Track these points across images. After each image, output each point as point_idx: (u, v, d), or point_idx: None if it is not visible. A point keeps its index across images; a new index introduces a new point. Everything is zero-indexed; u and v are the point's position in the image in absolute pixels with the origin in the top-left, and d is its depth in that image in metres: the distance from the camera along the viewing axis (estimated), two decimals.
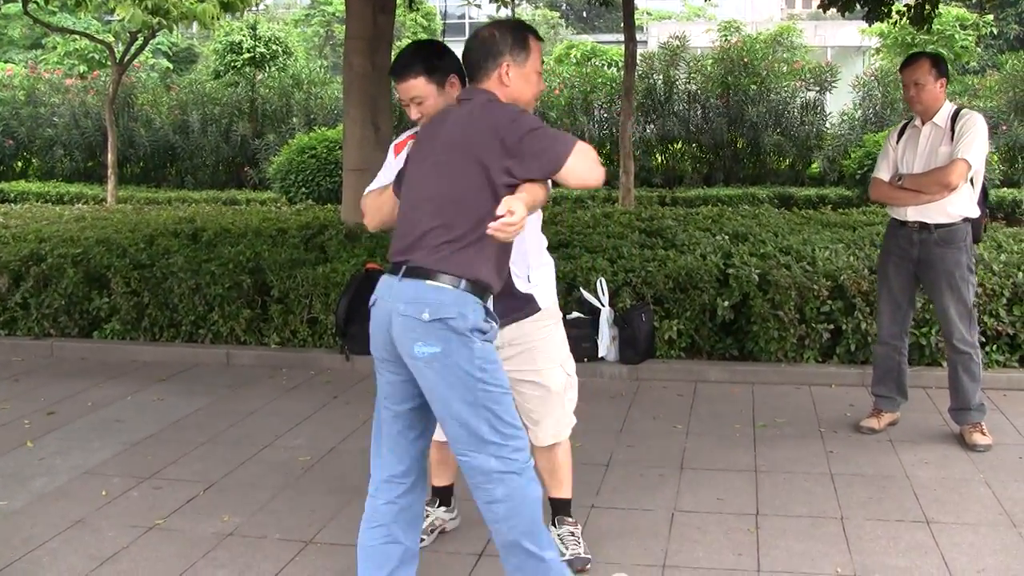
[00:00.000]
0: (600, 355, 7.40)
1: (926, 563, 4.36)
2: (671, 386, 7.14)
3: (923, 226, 5.82)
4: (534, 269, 4.31)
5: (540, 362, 4.33)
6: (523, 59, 3.87)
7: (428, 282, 3.56)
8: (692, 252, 8.06)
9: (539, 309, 4.31)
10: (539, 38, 4.01)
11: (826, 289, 7.20)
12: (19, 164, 22.53)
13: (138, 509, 5.12)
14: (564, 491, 4.51)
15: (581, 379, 7.15)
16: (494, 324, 3.69)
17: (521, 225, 3.48)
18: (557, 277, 7.48)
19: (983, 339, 6.94)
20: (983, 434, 5.84)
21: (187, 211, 13.39)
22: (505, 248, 3.73)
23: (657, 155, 19.00)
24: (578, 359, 7.24)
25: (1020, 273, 7.24)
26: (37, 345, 8.60)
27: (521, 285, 4.21)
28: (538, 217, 4.33)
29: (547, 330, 4.38)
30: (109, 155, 18.34)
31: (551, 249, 7.98)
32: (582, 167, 3.61)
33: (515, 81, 3.85)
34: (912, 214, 5.85)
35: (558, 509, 4.51)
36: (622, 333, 7.37)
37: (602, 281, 7.50)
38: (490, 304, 3.71)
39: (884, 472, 5.43)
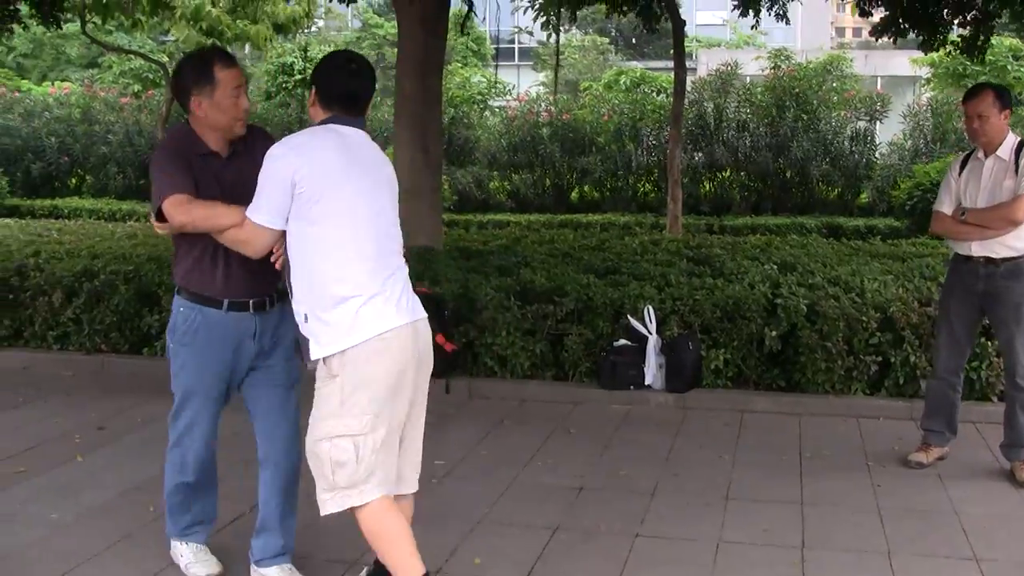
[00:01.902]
0: (647, 383, 7.39)
1: None
2: (717, 415, 7.11)
3: (989, 260, 5.77)
4: (320, 310, 3.85)
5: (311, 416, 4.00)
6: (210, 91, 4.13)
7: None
8: (740, 281, 8.03)
9: (309, 360, 3.93)
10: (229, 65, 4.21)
11: (875, 321, 7.15)
12: (73, 181, 22.81)
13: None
14: (385, 560, 4.03)
15: (627, 407, 7.24)
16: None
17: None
18: (604, 303, 7.55)
19: None
20: None
21: None
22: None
23: (705, 183, 18.96)
24: (624, 387, 7.35)
25: None
26: (88, 360, 8.70)
27: (301, 326, 3.92)
28: (339, 247, 3.84)
29: (322, 386, 3.93)
30: None
31: (599, 276, 8.04)
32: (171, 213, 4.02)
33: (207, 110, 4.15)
34: (977, 249, 5.80)
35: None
36: (669, 361, 7.36)
37: (650, 309, 7.50)
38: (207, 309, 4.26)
39: (932, 507, 5.39)
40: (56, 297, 8.90)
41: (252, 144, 4.27)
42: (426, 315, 4.02)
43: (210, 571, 4.62)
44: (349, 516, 5.21)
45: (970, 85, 7.78)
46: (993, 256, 5.75)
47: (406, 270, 4.03)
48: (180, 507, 4.63)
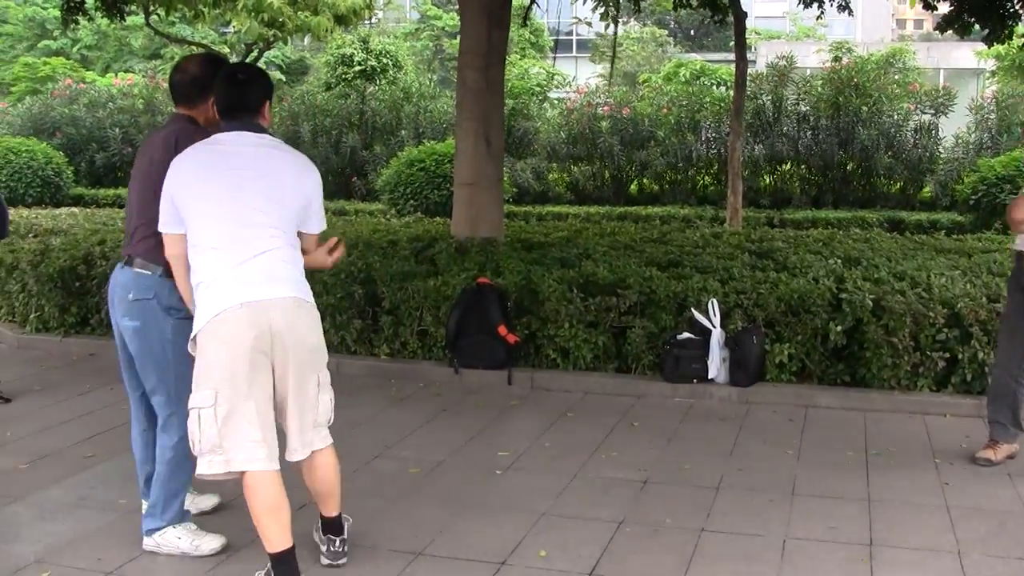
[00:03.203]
0: (710, 376, 7.36)
1: None
2: (781, 410, 7.06)
3: None
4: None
5: None
6: None
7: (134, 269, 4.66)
8: (804, 275, 7.97)
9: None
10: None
11: (942, 317, 7.06)
12: None
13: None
14: (256, 528, 4.39)
15: (690, 400, 7.22)
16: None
17: None
18: (667, 296, 7.54)
19: None
20: None
21: None
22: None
23: (765, 176, 18.82)
24: (687, 380, 7.32)
25: None
26: None
27: None
28: (195, 241, 4.33)
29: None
30: None
31: (661, 268, 8.02)
32: None
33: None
34: None
35: None
36: (733, 355, 7.32)
37: (714, 302, 7.46)
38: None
39: (1002, 507, 5.31)
40: None
41: None
42: (291, 294, 4.29)
43: (220, 542, 4.83)
44: (415, 509, 5.26)
45: None
46: None
47: (278, 254, 4.30)
48: (184, 489, 4.87)
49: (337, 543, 4.64)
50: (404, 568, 4.60)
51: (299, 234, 4.46)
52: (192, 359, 4.30)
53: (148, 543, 4.79)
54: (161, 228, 4.39)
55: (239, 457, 4.21)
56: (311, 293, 4.43)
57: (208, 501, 5.31)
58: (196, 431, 4.22)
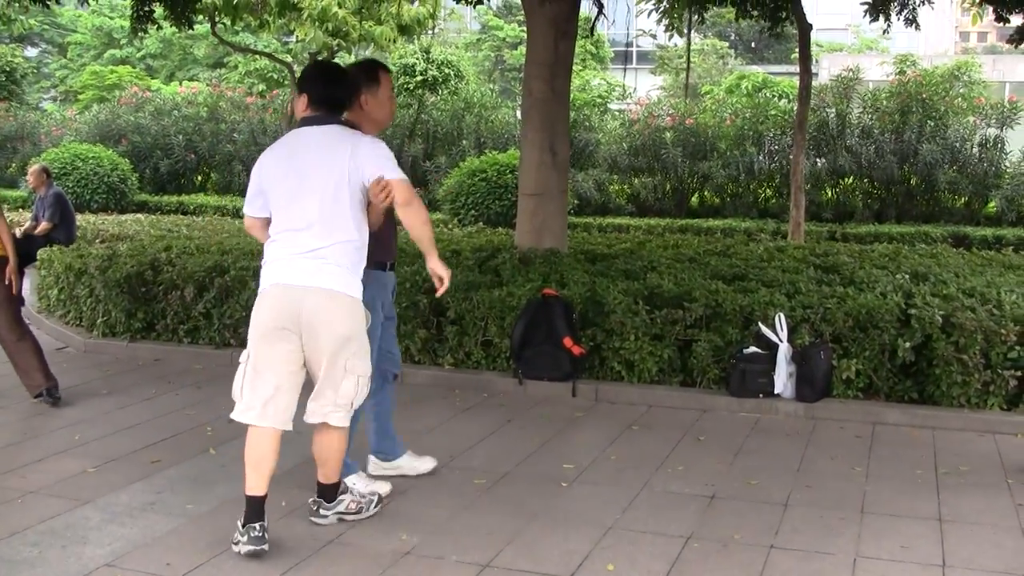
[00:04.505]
0: (776, 391, 7.29)
1: None
2: (848, 427, 6.99)
3: None
4: None
5: None
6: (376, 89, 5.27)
7: None
8: (871, 290, 7.89)
9: None
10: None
11: (1015, 334, 6.96)
12: (199, 178, 23.34)
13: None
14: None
15: (756, 415, 7.17)
16: None
17: None
18: (734, 310, 7.53)
19: None
20: None
21: None
22: None
23: (827, 189, 18.71)
24: (753, 394, 7.28)
25: None
26: (218, 354, 8.87)
27: None
28: (271, 227, 4.96)
29: None
30: None
31: (727, 281, 8.01)
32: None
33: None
34: None
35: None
36: (800, 370, 7.25)
37: (781, 316, 7.39)
38: None
39: None
40: (188, 292, 9.10)
41: None
42: (326, 287, 4.78)
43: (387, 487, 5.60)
44: (481, 520, 5.26)
45: None
46: None
47: (323, 252, 4.79)
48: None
49: (322, 509, 5.21)
50: None
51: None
52: None
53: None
54: (245, 209, 5.07)
55: (253, 411, 4.86)
56: (357, 287, 4.87)
57: (383, 487, 5.65)
58: (237, 380, 4.94)
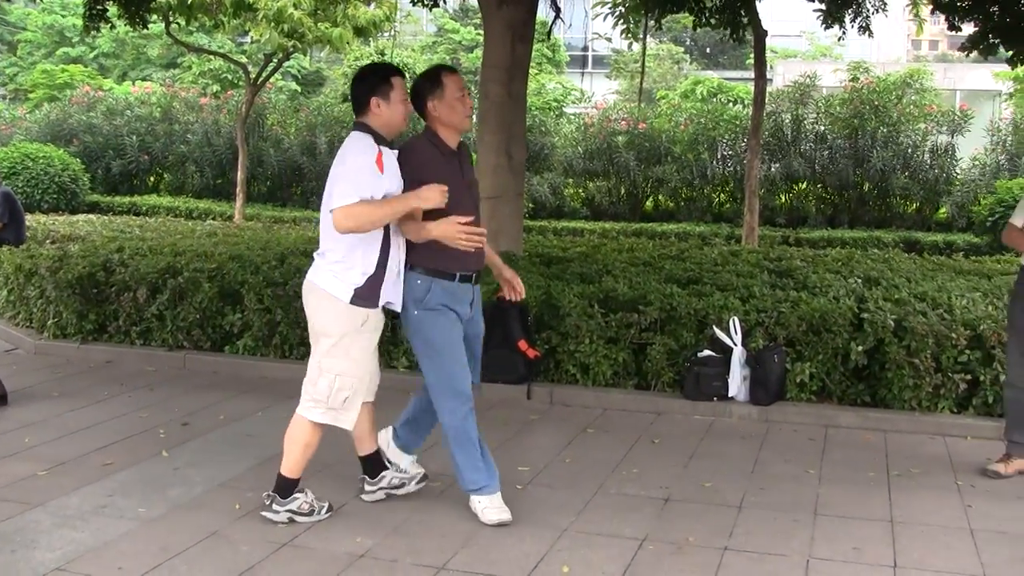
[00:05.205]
0: (730, 394, 7.34)
1: None
2: (801, 429, 7.04)
3: None
4: None
5: None
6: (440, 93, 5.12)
7: None
8: (825, 295, 7.95)
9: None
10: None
11: (964, 338, 7.04)
12: (152, 179, 23.16)
13: (271, 525, 5.19)
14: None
15: (710, 418, 7.21)
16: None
17: None
18: (688, 314, 7.55)
19: None
20: None
21: (315, 231, 13.61)
22: None
23: (781, 195, 18.85)
24: (708, 397, 7.31)
25: None
26: (171, 357, 8.80)
27: None
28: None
29: None
30: (239, 173, 18.80)
31: (681, 285, 8.04)
32: None
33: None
34: None
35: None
36: (754, 373, 7.29)
37: (735, 320, 7.44)
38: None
39: None
40: (140, 293, 9.02)
41: (468, 152, 5.42)
42: (307, 278, 5.11)
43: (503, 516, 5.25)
44: (436, 523, 5.24)
45: None
46: None
47: (323, 253, 5.06)
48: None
49: (275, 504, 5.21)
50: None
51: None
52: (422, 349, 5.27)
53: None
54: None
55: None
56: (331, 278, 4.99)
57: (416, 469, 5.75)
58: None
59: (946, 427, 6.99)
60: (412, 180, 4.98)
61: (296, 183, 21.71)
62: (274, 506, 5.19)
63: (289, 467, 5.19)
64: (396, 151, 5.09)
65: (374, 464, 5.50)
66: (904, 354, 7.09)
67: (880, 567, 4.78)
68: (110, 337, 9.27)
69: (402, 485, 5.51)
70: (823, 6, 12.46)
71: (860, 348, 7.22)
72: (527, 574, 4.65)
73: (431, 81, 5.11)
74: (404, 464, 5.67)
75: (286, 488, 5.19)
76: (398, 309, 5.19)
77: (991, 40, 10.93)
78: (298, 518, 5.19)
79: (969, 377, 7.06)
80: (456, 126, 5.16)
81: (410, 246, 5.11)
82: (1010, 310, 6.20)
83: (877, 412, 7.20)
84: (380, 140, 5.00)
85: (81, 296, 9.24)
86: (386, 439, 5.72)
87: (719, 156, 19.29)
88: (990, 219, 15.47)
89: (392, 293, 5.11)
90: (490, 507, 5.20)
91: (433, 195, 4.87)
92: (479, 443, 5.26)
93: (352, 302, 4.98)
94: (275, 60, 19.05)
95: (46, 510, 5.36)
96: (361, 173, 4.85)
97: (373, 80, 5.05)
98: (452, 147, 5.19)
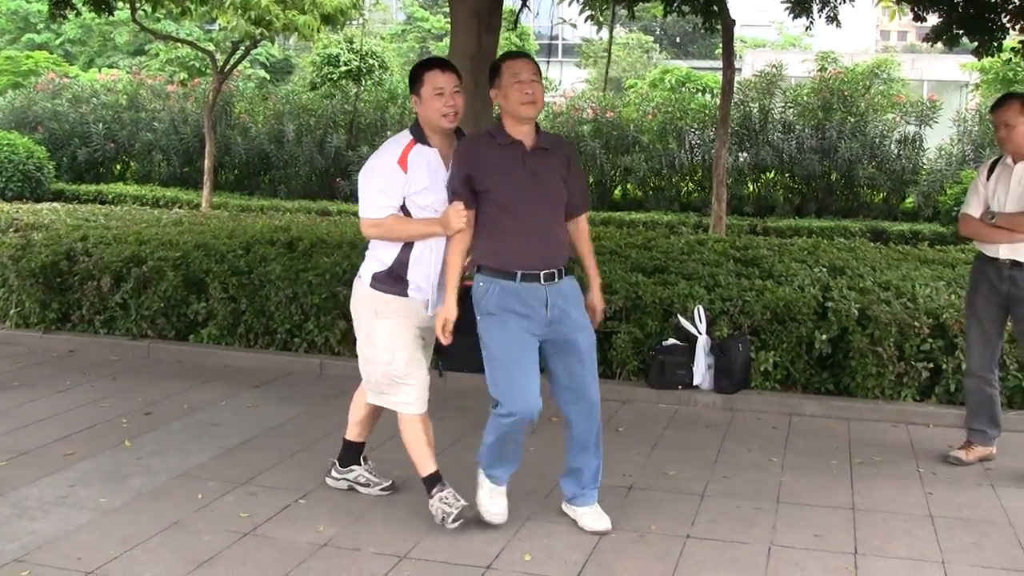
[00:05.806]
0: (695, 383, 7.36)
1: None
2: (765, 418, 7.06)
3: (1015, 263, 5.86)
4: None
5: None
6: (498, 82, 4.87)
7: None
8: (790, 283, 7.98)
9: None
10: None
11: (927, 327, 7.08)
12: (118, 167, 22.97)
13: (234, 514, 5.18)
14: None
15: (675, 407, 7.22)
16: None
17: None
18: (654, 302, 7.55)
19: None
20: None
21: (282, 220, 13.57)
22: None
23: (749, 184, 18.87)
24: (672, 386, 7.31)
25: None
26: (135, 346, 8.75)
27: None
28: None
29: None
30: (206, 161, 18.67)
31: (647, 274, 8.03)
32: None
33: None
34: (1005, 251, 5.89)
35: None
36: (718, 362, 7.31)
37: (700, 309, 7.45)
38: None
39: (986, 517, 5.31)
40: (104, 282, 8.97)
41: (557, 144, 5.09)
42: (357, 276, 5.17)
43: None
44: (399, 511, 5.23)
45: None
46: (1020, 259, 5.84)
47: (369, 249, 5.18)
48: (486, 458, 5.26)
49: (335, 471, 5.61)
50: (388, 571, 4.58)
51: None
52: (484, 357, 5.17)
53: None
54: None
55: None
56: (363, 264, 5.15)
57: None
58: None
59: (909, 415, 7.04)
60: (455, 172, 4.87)
61: (264, 171, 21.57)
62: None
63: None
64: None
65: (350, 453, 5.54)
66: (868, 343, 7.13)
67: (841, 554, 4.81)
68: (73, 326, 9.20)
69: (368, 485, 5.52)
70: None
71: (824, 337, 7.25)
72: (489, 562, 4.65)
73: (493, 69, 4.90)
74: (582, 522, 5.13)
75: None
76: (431, 310, 5.11)
77: (955, 31, 10.97)
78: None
79: (932, 366, 7.11)
80: (512, 113, 4.83)
81: (473, 246, 4.94)
82: (968, 299, 6.24)
83: (841, 400, 7.24)
84: (420, 136, 4.98)
85: (44, 285, 9.17)
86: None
87: (687, 145, 19.28)
88: (956, 209, 15.46)
89: (428, 287, 5.03)
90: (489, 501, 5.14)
91: (451, 221, 4.81)
92: (516, 453, 5.21)
93: (372, 286, 5.04)
94: (242, 48, 18.94)
95: (6, 501, 5.33)
96: (372, 177, 4.99)
97: (411, 78, 5.08)
98: (515, 137, 4.86)
